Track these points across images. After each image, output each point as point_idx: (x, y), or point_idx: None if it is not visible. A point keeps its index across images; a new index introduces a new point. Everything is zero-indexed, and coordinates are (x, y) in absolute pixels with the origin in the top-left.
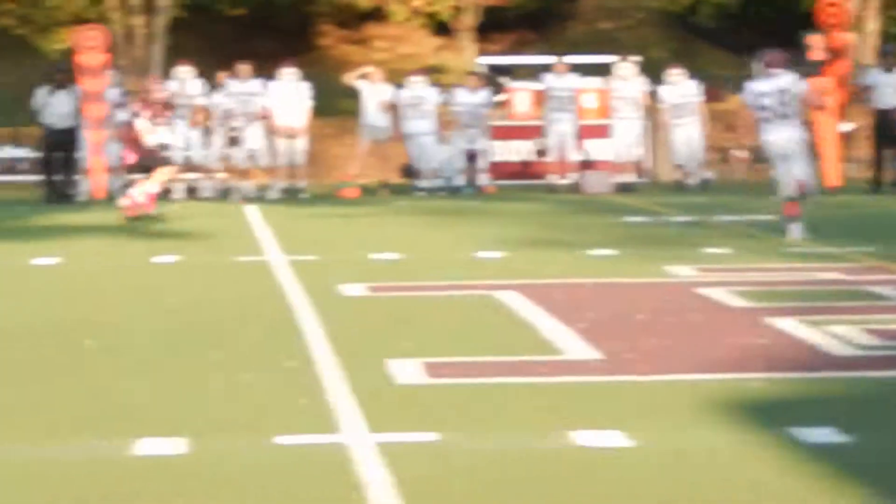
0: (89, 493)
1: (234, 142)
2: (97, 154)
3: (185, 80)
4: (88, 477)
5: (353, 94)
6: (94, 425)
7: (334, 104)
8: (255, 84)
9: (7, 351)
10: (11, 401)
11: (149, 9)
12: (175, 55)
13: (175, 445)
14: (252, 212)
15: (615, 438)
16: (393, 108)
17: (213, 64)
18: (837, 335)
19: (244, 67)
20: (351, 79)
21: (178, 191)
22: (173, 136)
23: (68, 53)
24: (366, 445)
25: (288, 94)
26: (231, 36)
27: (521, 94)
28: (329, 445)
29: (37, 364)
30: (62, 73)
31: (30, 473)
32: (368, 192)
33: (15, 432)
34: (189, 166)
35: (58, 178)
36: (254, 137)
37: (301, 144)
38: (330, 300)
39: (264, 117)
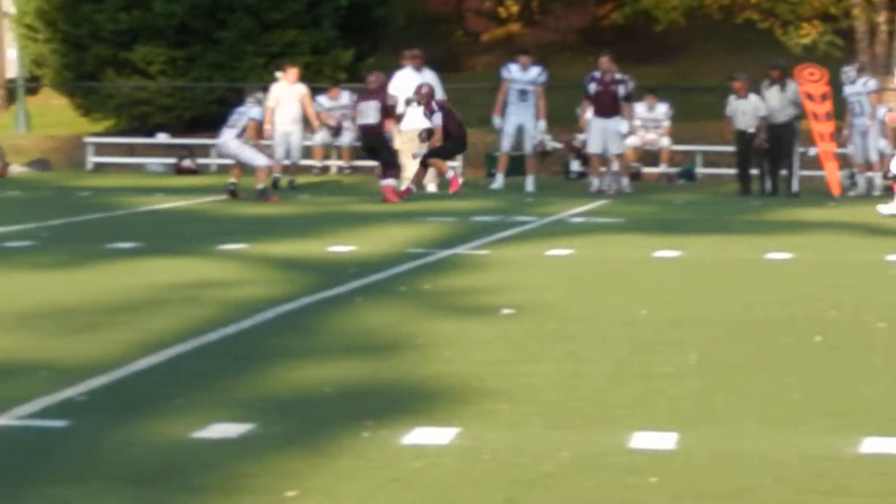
0: (809, 487)
1: None
2: (831, 160)
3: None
4: (807, 471)
5: None
6: (817, 420)
7: None
8: None
9: (736, 342)
10: (736, 392)
11: (893, 6)
12: None
13: None
14: None
15: None
16: None
17: None
18: None
19: None
20: None
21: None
22: None
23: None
24: None
25: None
26: None
27: None
28: None
29: (767, 356)
30: (777, 69)
31: (736, 463)
32: None
33: (731, 423)
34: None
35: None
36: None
37: None
38: None
39: None
